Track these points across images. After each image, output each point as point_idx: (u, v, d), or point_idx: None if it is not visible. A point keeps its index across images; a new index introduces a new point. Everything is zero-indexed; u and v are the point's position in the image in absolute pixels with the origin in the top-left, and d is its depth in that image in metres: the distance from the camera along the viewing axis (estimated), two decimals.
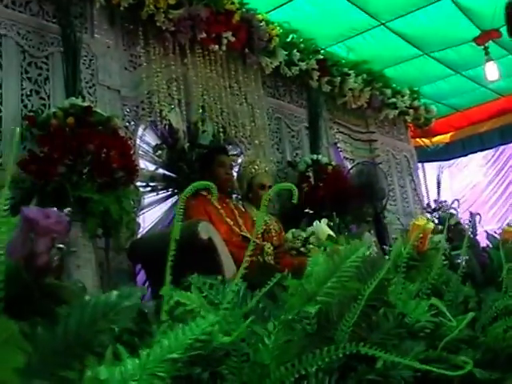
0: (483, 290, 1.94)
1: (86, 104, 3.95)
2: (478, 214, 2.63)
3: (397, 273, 1.36)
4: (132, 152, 4.11)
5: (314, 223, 1.80)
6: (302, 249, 4.17)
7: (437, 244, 1.64)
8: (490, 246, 2.53)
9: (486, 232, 2.67)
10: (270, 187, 4.89)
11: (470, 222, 2.53)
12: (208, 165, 4.56)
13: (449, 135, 9.83)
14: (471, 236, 2.57)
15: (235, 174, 5.05)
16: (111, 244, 4.10)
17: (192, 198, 4.59)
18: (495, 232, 2.66)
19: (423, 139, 9.73)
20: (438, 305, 1.28)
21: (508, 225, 2.60)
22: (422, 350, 1.22)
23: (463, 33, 7.10)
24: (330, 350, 0.92)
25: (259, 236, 4.50)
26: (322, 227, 1.72)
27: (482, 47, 7.35)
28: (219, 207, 4.40)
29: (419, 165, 9.06)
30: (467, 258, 2.06)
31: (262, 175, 4.89)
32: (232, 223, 4.40)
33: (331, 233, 1.78)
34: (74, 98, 4.00)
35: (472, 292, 1.84)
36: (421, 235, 1.51)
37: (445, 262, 2.16)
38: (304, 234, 4.26)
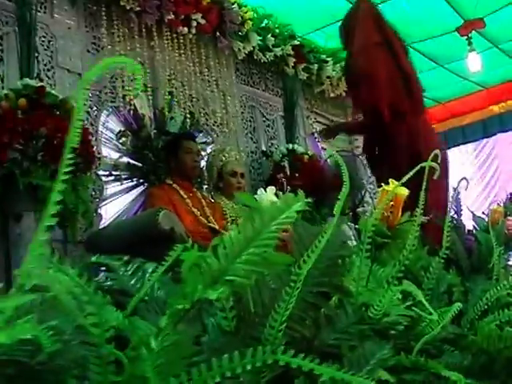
0: (470, 278, 1.60)
1: (38, 84, 3.58)
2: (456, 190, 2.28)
3: (360, 252, 1.02)
4: (90, 137, 3.75)
5: (258, 191, 1.46)
6: None
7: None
8: (477, 228, 2.19)
9: (472, 213, 2.34)
10: (242, 175, 4.56)
11: (452, 200, 2.20)
12: (174, 151, 4.20)
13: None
14: (455, 217, 2.23)
15: (204, 163, 4.71)
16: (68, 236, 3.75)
17: (156, 186, 4.25)
18: (483, 213, 2.32)
19: None
20: (412, 291, 0.93)
21: (498, 204, 2.26)
22: (390, 354, 0.88)
23: (446, 22, 6.74)
24: (234, 359, 0.57)
25: (228, 227, 4.16)
26: (267, 196, 1.37)
27: (465, 38, 7.00)
28: (185, 196, 4.04)
29: None
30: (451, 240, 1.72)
31: (233, 163, 4.55)
32: (199, 213, 4.04)
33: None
34: (27, 79, 3.64)
35: (457, 280, 1.50)
36: (391, 203, 1.17)
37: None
38: None
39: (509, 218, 2.15)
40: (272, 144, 5.81)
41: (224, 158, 4.54)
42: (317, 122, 6.49)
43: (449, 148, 9.59)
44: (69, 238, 3.70)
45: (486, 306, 1.33)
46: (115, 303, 0.91)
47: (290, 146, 5.47)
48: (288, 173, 5.31)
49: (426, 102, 8.84)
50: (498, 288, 1.36)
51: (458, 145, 9.57)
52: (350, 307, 0.95)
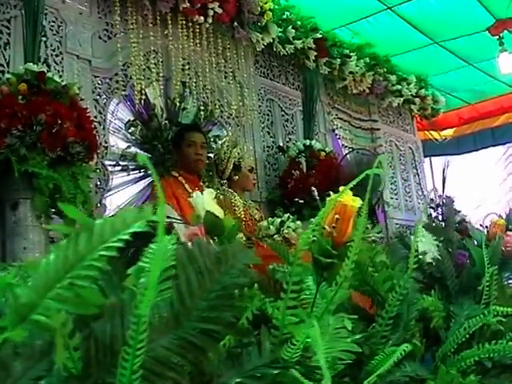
0: (457, 302, 1.36)
1: (38, 69, 3.42)
2: (450, 197, 2.00)
3: (287, 274, 0.81)
4: (92, 125, 3.59)
5: (194, 194, 1.26)
6: (275, 236, 3.63)
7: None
8: (475, 242, 1.93)
9: (470, 225, 2.07)
10: (255, 171, 4.38)
11: (444, 206, 1.90)
12: (178, 144, 4.00)
13: (458, 129, 9.14)
14: (447, 227, 1.95)
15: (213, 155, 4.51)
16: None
17: (162, 178, 4.08)
18: (481, 225, 2.05)
19: (432, 132, 9.08)
20: (311, 335, 0.72)
21: (500, 216, 1.99)
22: None
23: (476, 21, 6.41)
24: None
25: None
26: (204, 200, 1.18)
27: (497, 38, 6.66)
28: (190, 190, 3.85)
29: (427, 159, 8.47)
30: (437, 256, 1.49)
31: (250, 159, 4.36)
32: None
33: (214, 208, 1.22)
34: (30, 64, 3.49)
35: (436, 304, 1.26)
36: (336, 216, 0.96)
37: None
38: (279, 220, 3.72)
39: (509, 233, 1.87)
40: (290, 139, 5.59)
41: (240, 152, 4.34)
42: (338, 118, 6.24)
43: (477, 150, 9.24)
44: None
45: (463, 338, 1.11)
46: None
47: (307, 141, 5.24)
48: (304, 169, 5.09)
49: (453, 101, 8.57)
50: (481, 316, 1.13)
51: (487, 147, 9.19)
52: (269, 342, 0.75)
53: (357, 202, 0.98)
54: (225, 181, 4.39)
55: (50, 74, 3.48)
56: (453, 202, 1.82)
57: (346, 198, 0.95)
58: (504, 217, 2.02)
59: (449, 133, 9.21)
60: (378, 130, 6.81)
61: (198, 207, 1.23)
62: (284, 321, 0.77)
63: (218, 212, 1.24)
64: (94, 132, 3.65)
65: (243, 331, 0.73)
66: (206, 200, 1.20)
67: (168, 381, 0.61)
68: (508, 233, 1.85)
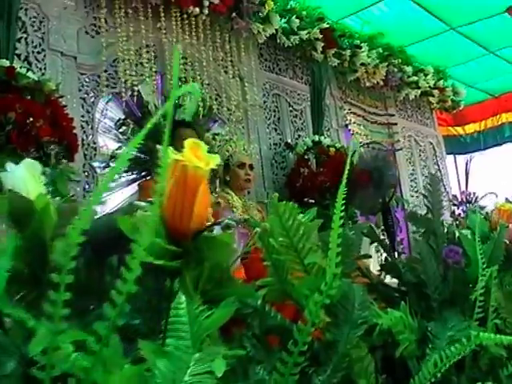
0: (440, 318, 0.93)
1: (6, 65, 3.08)
2: (435, 178, 1.56)
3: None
4: (72, 124, 3.24)
5: (8, 166, 0.88)
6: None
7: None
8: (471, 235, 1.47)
9: (464, 210, 1.64)
10: (250, 167, 3.95)
11: (428, 194, 1.48)
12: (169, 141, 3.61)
13: (483, 123, 8.57)
14: (431, 216, 1.49)
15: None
16: None
17: (150, 179, 3.73)
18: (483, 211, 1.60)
19: (456, 128, 8.54)
20: None
21: (507, 200, 1.54)
22: None
23: (493, 2, 5.87)
24: None
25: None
26: (21, 173, 0.80)
27: None
28: None
29: (451, 156, 7.98)
30: (416, 255, 1.07)
31: (240, 153, 3.94)
32: None
33: (30, 186, 0.83)
34: (4, 60, 3.16)
35: (405, 322, 0.84)
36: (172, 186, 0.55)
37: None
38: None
39: None
40: (299, 136, 5.16)
41: (230, 149, 3.94)
42: (352, 112, 5.78)
43: (500, 145, 8.67)
44: None
45: (436, 373, 0.70)
46: None
47: (316, 137, 4.80)
48: (313, 167, 4.67)
49: (476, 95, 8.04)
50: (464, 340, 0.71)
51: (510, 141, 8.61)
52: None
53: (208, 163, 0.57)
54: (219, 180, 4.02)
55: (22, 70, 3.14)
56: (439, 184, 1.40)
57: (190, 156, 0.55)
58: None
59: (473, 127, 8.66)
60: (395, 124, 6.33)
61: (6, 184, 0.84)
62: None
63: (36, 190, 0.85)
64: (76, 131, 3.32)
65: None
66: (18, 175, 0.82)
67: None
68: None
